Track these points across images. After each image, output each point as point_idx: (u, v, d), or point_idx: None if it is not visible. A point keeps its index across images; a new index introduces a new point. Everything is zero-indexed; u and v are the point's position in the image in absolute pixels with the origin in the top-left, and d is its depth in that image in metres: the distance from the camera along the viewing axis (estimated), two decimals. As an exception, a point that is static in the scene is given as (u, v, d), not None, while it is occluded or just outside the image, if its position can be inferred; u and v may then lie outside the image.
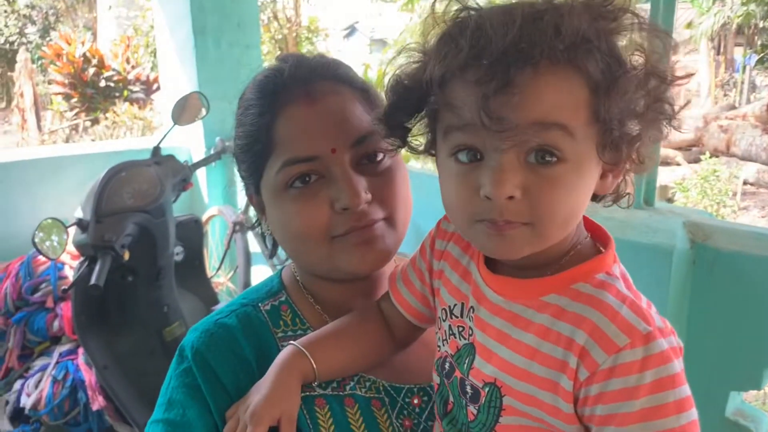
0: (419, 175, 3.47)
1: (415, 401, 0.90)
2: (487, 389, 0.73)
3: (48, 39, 16.52)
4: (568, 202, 0.66)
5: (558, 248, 0.72)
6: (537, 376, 0.69)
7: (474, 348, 0.75)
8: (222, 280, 3.76)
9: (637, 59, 0.66)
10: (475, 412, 0.74)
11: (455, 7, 0.69)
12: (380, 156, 0.90)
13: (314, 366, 0.84)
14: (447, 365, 0.80)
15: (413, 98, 0.72)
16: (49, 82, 12.34)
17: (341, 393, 0.87)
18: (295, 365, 0.84)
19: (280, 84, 0.91)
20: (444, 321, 0.81)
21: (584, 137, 0.65)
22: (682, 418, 0.64)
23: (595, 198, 0.75)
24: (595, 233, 0.76)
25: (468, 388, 0.76)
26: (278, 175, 0.89)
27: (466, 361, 0.76)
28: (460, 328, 0.78)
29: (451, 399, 0.79)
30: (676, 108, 0.69)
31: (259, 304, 0.95)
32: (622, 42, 0.66)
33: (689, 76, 0.69)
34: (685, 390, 0.66)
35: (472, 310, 0.77)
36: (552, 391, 0.68)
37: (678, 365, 0.66)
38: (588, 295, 0.69)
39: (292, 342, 0.86)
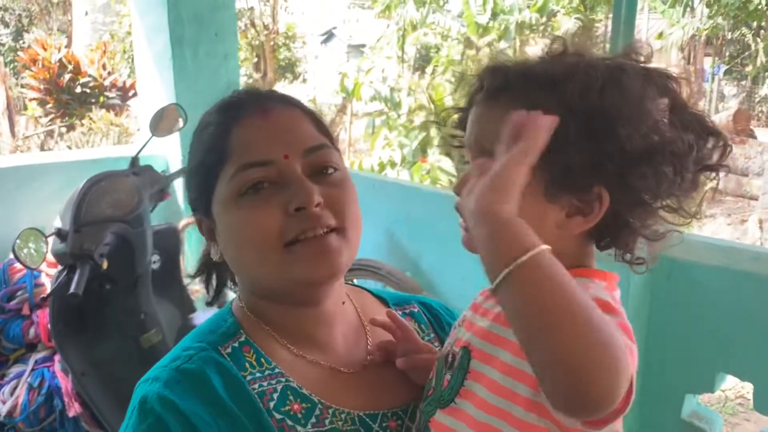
0: (394, 185, 3.53)
1: (392, 425, 0.92)
2: (461, 352, 0.82)
3: (21, 42, 16.29)
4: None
5: None
6: (495, 335, 0.78)
7: (464, 324, 0.86)
8: (198, 287, 3.77)
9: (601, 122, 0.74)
10: (449, 378, 0.83)
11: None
12: (331, 170, 0.93)
13: None
14: (446, 353, 0.87)
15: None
16: (22, 86, 12.16)
17: (321, 428, 0.87)
18: None
19: (236, 102, 0.97)
20: (456, 329, 0.90)
21: None
22: None
23: (600, 246, 0.84)
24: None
25: (449, 357, 0.85)
26: (231, 182, 0.90)
27: (455, 339, 0.86)
28: (463, 322, 0.88)
29: (433, 384, 0.87)
30: (661, 186, 0.76)
31: (219, 348, 0.90)
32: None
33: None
34: None
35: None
36: (507, 348, 0.76)
37: None
38: None
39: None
